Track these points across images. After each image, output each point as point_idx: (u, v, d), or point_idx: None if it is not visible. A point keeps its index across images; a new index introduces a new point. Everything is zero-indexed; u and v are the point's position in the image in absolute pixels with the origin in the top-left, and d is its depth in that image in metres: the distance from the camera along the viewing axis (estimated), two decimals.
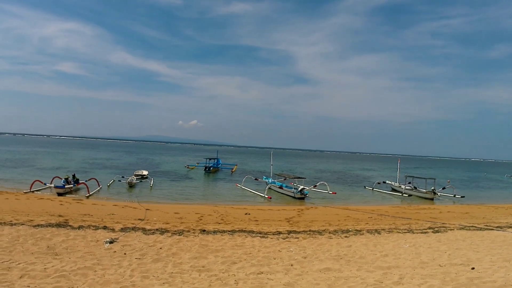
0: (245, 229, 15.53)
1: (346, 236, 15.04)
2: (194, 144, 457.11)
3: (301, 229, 16.32)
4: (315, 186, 33.73)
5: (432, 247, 13.20)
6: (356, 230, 16.52)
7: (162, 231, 14.08)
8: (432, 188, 35.30)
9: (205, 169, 53.31)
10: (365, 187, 43.20)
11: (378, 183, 42.11)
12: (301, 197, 29.65)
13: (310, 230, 16.04)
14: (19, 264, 9.22)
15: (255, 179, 39.05)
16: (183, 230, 14.53)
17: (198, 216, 19.57)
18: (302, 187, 30.42)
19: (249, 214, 20.89)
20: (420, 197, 35.18)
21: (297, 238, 14.30)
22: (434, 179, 38.32)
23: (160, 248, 11.40)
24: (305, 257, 11.13)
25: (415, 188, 37.45)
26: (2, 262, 9.28)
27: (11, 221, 15.17)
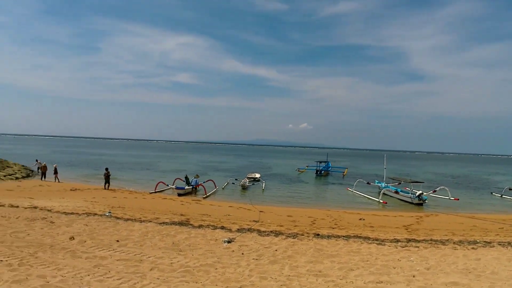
0: (361, 235, 15.01)
1: (473, 248, 13.67)
2: (304, 147, 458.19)
3: (421, 238, 15.26)
4: (435, 191, 31.38)
5: None
6: (485, 241, 14.93)
7: (277, 234, 14.26)
8: None
9: (316, 172, 53.01)
10: (492, 193, 38.96)
11: (510, 189, 37.59)
12: (419, 203, 27.79)
13: (431, 239, 14.92)
14: (149, 257, 10.04)
15: (367, 183, 37.69)
16: (297, 234, 14.54)
17: (311, 219, 19.47)
18: (420, 192, 28.49)
19: (364, 219, 20.19)
20: None
21: (417, 247, 13.39)
22: None
23: (276, 250, 11.53)
24: (428, 268, 10.35)
25: None
26: (134, 255, 10.21)
27: (140, 218, 16.70)
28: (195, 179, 31.34)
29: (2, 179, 32.83)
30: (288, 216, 20.53)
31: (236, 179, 38.97)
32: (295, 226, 16.97)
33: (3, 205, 18.03)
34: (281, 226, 16.60)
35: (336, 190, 37.88)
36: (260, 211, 21.57)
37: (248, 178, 40.73)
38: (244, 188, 33.90)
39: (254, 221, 17.66)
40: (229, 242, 12.28)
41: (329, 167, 59.49)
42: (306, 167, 62.39)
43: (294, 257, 10.83)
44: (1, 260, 8.87)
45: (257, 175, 44.10)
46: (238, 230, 14.62)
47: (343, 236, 14.47)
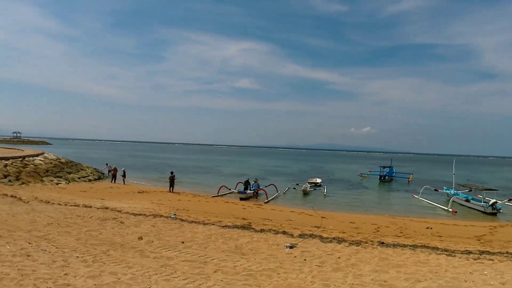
0: (428, 245, 14.33)
1: None
2: (367, 152, 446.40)
3: (496, 250, 14.26)
4: (510, 200, 29.29)
5: None
6: None
7: (339, 240, 14.00)
8: None
9: (379, 178, 51.48)
10: None
11: None
12: (493, 212, 26.00)
13: (507, 252, 13.91)
14: (213, 259, 10.26)
15: (435, 190, 35.94)
16: (361, 241, 14.18)
17: (375, 227, 18.92)
18: (493, 200, 26.68)
19: (431, 228, 19.28)
20: None
21: (492, 260, 12.53)
22: None
23: (339, 258, 11.32)
24: (503, 283, 9.66)
25: None
26: (199, 257, 10.48)
27: (203, 221, 17.12)
28: (256, 183, 31.60)
29: (77, 181, 35.18)
30: (350, 222, 20.11)
31: (297, 184, 38.84)
32: (358, 233, 16.58)
33: (77, 205, 19.27)
34: (344, 232, 16.29)
35: (401, 196, 36.52)
36: (322, 217, 21.32)
37: (309, 183, 40.41)
38: (305, 193, 33.69)
39: (316, 227, 17.48)
40: (291, 247, 12.25)
41: (393, 172, 57.40)
42: (369, 172, 60.78)
43: (358, 265, 10.57)
44: (77, 256, 9.48)
45: (319, 180, 43.64)
46: (300, 236, 14.53)
47: (410, 245, 13.90)
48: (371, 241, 14.43)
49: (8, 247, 9.86)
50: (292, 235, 14.59)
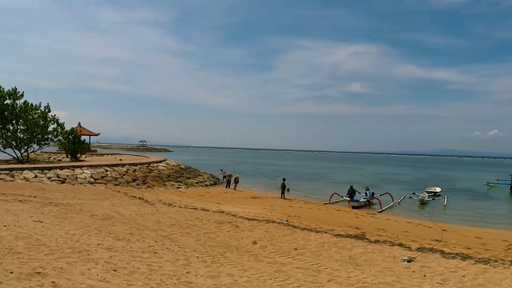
0: None
1: None
2: (494, 157, 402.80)
3: None
4: None
5: None
6: None
7: (464, 257, 12.82)
8: None
9: (510, 188, 46.21)
10: None
11: None
12: None
13: None
14: (326, 268, 10.13)
15: None
16: (489, 259, 12.82)
17: (506, 244, 16.99)
18: None
19: None
20: None
21: None
22: None
23: (463, 276, 10.37)
24: None
25: None
26: (312, 264, 10.44)
27: (316, 228, 17.03)
28: (367, 191, 30.60)
29: (195, 186, 37.74)
30: (476, 237, 18.37)
31: (413, 193, 36.65)
32: (486, 250, 15.03)
33: (196, 208, 20.58)
34: (469, 248, 14.90)
35: None
36: (443, 230, 19.80)
37: (427, 192, 37.83)
38: (422, 203, 31.68)
39: (436, 240, 16.28)
40: (409, 261, 11.57)
41: None
42: (496, 181, 54.63)
43: (486, 286, 9.59)
44: (198, 256, 10.10)
45: (438, 189, 40.60)
46: (419, 249, 13.66)
47: None
48: (502, 259, 12.95)
49: (138, 244, 10.90)
50: (409, 248, 13.78)
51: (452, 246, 15.25)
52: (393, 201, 31.84)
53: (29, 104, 39.54)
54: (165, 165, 43.29)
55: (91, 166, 33.81)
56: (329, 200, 30.69)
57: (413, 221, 22.88)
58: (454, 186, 52.39)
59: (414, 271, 10.56)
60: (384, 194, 33.57)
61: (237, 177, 38.15)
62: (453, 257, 12.81)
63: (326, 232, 15.97)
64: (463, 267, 11.46)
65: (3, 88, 38.06)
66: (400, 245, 14.27)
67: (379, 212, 26.81)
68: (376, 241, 14.65)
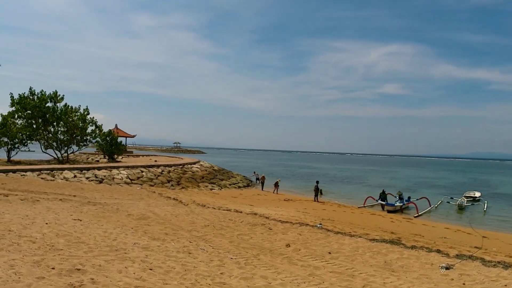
0: None
1: None
2: None
3: None
4: None
5: None
6: None
7: (506, 265, 12.30)
8: None
9: None
10: None
11: None
12: None
13: None
14: (360, 273, 9.96)
15: None
16: None
17: None
18: None
19: None
20: None
21: None
22: None
23: (505, 286, 9.95)
24: None
25: None
26: (346, 269, 10.29)
27: (350, 232, 16.78)
28: (399, 195, 29.92)
29: (228, 187, 38.01)
30: None
31: (451, 198, 35.51)
32: None
33: (229, 210, 20.72)
34: (511, 257, 14.28)
35: None
36: (483, 237, 19.10)
37: (466, 197, 36.61)
38: (461, 208, 30.66)
39: (476, 247, 15.70)
40: (447, 268, 11.21)
41: None
42: None
43: None
44: (231, 258, 10.16)
45: (477, 194, 39.22)
46: (457, 256, 13.21)
47: None
48: None
49: (173, 244, 11.08)
50: (447, 255, 13.34)
51: (493, 254, 14.67)
52: (430, 205, 30.98)
53: (69, 107, 41.16)
54: (198, 166, 43.87)
55: (127, 167, 34.72)
56: (364, 204, 30.20)
57: (451, 227, 22.19)
58: (495, 191, 50.41)
59: (452, 279, 10.22)
60: (420, 198, 32.73)
61: (278, 180, 37.95)
62: (494, 265, 12.32)
63: (360, 237, 15.71)
64: (505, 276, 10.99)
65: (45, 92, 39.79)
66: (438, 251, 13.84)
67: (415, 217, 26.13)
68: (413, 247, 14.28)
